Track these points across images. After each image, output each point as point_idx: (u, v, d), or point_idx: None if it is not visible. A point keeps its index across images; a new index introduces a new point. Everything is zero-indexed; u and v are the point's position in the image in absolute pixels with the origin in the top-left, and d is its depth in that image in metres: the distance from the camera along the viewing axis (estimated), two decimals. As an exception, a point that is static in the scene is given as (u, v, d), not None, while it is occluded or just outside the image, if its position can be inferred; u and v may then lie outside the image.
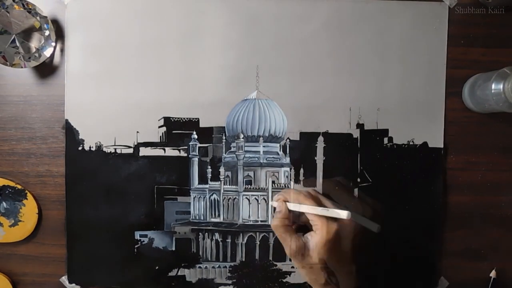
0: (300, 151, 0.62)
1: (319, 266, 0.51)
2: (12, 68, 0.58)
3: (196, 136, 0.62)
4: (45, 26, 0.58)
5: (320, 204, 0.52)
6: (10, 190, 0.62)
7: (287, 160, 0.62)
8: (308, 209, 0.52)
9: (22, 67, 0.58)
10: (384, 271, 0.62)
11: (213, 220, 0.63)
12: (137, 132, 0.61)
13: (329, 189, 0.59)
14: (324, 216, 0.50)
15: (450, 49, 0.61)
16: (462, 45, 0.61)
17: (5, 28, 0.56)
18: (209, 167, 0.62)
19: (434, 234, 0.62)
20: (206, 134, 0.62)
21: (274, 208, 0.55)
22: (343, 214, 0.48)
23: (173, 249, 0.63)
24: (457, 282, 0.63)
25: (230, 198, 0.63)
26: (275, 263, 0.63)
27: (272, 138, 0.62)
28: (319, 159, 0.62)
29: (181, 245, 0.63)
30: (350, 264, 0.51)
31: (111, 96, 0.61)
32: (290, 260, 0.63)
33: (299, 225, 0.55)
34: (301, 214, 0.54)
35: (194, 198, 0.63)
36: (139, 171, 0.62)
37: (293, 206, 0.53)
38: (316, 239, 0.50)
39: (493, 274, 0.62)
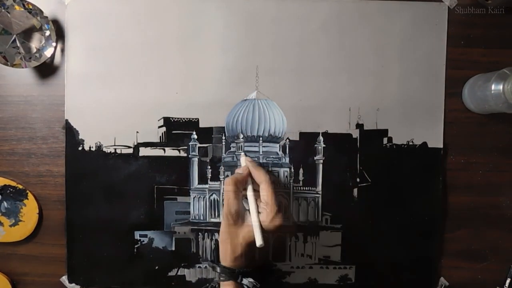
0: (300, 151, 0.62)
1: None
2: (12, 68, 0.58)
3: (196, 136, 0.62)
4: (46, 26, 0.58)
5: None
6: (11, 189, 0.62)
7: (286, 160, 0.62)
8: (251, 206, 0.54)
9: (22, 67, 0.58)
10: (384, 270, 0.62)
11: (212, 220, 0.63)
12: (137, 132, 0.62)
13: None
14: (272, 206, 0.53)
15: (450, 49, 0.61)
16: (462, 45, 0.61)
17: (5, 28, 0.56)
18: (209, 167, 0.62)
19: (434, 234, 0.62)
20: (206, 134, 0.62)
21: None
22: (258, 241, 0.52)
23: (173, 249, 0.63)
24: (457, 282, 0.63)
25: (230, 198, 0.63)
26: (274, 263, 0.63)
27: (271, 138, 0.62)
28: (319, 159, 0.62)
29: (181, 245, 0.63)
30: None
31: (111, 96, 0.61)
32: (290, 260, 0.63)
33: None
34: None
35: (194, 198, 0.63)
36: (139, 171, 0.62)
37: (248, 191, 0.56)
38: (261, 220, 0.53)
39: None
